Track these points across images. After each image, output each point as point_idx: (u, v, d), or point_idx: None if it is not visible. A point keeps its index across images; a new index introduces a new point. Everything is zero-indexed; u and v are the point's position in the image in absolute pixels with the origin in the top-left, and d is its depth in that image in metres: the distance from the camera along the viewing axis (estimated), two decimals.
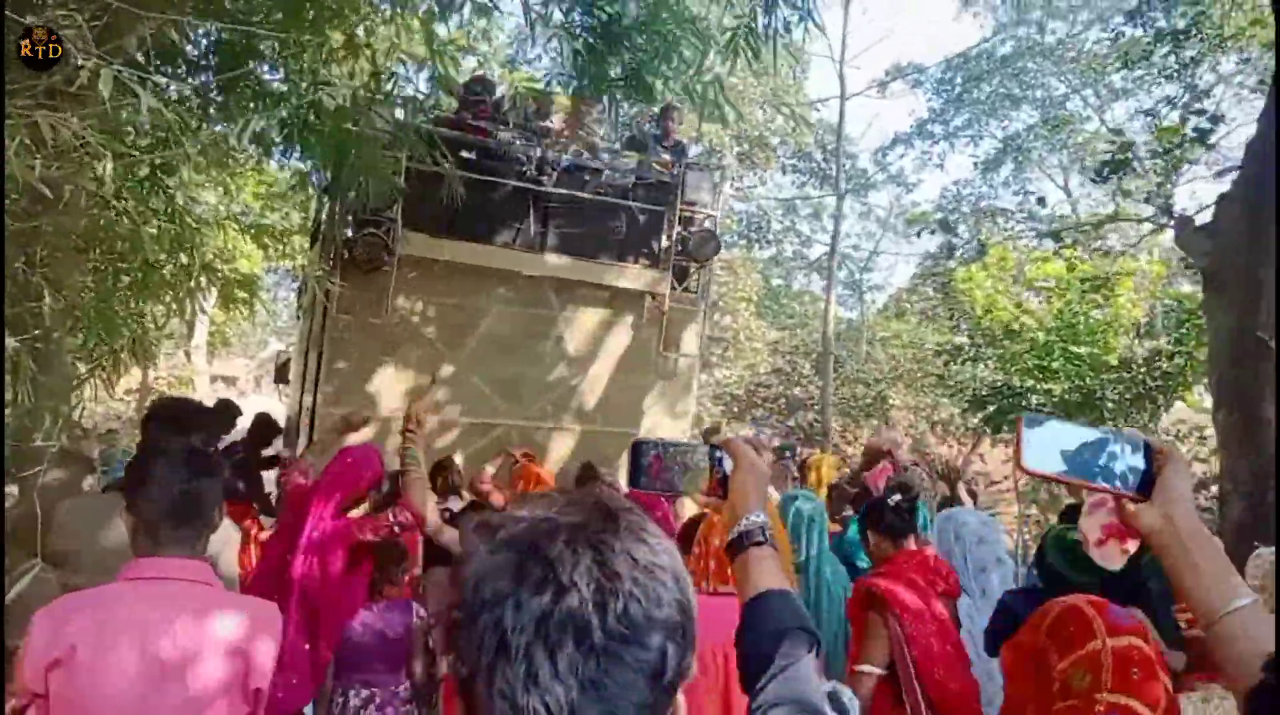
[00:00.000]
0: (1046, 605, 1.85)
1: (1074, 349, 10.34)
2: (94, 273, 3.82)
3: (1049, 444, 1.17)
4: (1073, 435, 1.18)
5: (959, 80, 21.72)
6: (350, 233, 6.49)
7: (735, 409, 15.94)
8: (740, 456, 1.34)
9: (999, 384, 10.86)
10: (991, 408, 10.81)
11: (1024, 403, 10.48)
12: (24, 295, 3.44)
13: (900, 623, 2.84)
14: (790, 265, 24.66)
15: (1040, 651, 1.76)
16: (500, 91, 7.45)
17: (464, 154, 6.73)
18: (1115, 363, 10.36)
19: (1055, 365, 10.37)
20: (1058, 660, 1.71)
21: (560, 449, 7.00)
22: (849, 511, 4.92)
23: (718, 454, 1.35)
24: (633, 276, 7.25)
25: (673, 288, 7.29)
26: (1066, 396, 10.30)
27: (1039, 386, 10.40)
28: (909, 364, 18.43)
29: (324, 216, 6.99)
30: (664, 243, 7.30)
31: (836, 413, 15.59)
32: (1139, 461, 1.17)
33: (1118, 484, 1.16)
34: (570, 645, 0.70)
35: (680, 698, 0.78)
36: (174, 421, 3.36)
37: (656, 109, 7.68)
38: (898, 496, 3.21)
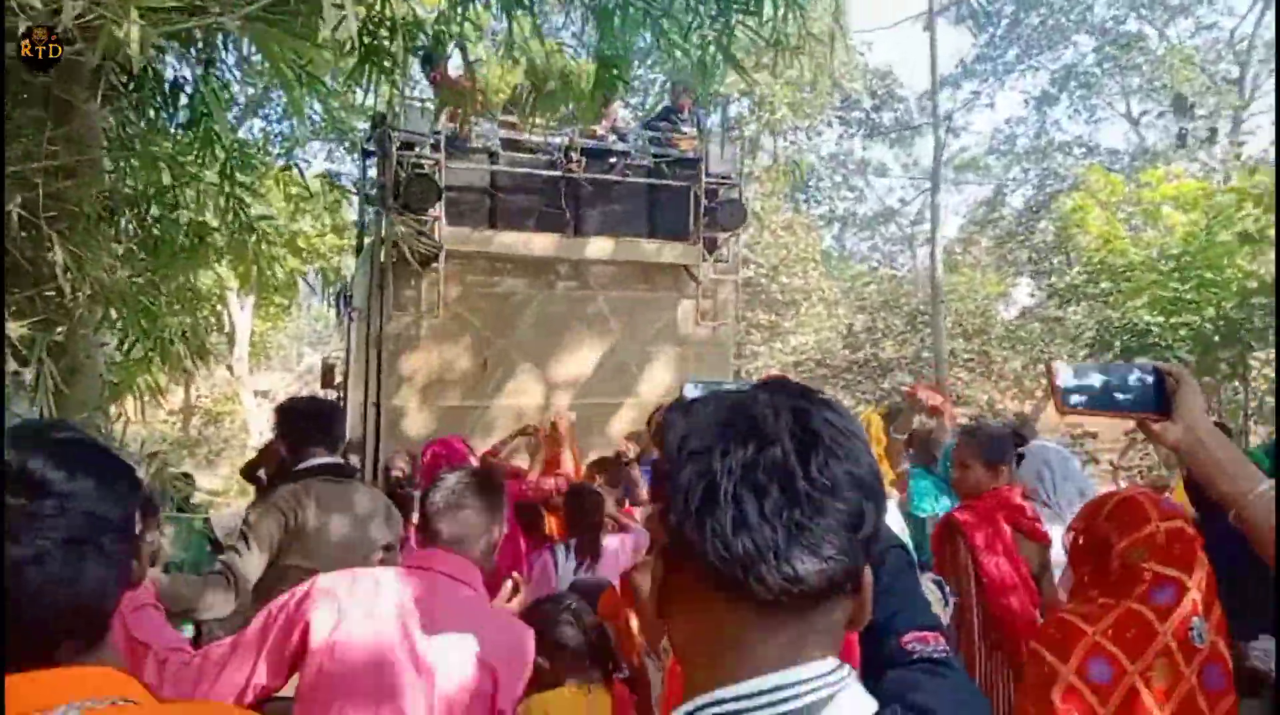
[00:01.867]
0: (1103, 496, 2.10)
1: (1208, 275, 9.19)
2: (126, 242, 2.92)
3: (1078, 386, 1.35)
4: (1096, 374, 1.36)
5: (1007, 10, 20.37)
6: (396, 235, 6.73)
7: (823, 373, 14.78)
8: None
9: (1123, 322, 9.70)
10: (1118, 348, 9.69)
11: (1152, 340, 9.38)
12: (37, 273, 2.55)
13: (972, 555, 2.99)
14: (841, 223, 23.52)
15: (1100, 536, 1.94)
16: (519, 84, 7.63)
17: (490, 147, 7.15)
18: (1257, 286, 9.20)
19: (1188, 295, 9.23)
20: (1118, 541, 1.90)
21: (614, 425, 7.24)
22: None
23: None
24: (665, 252, 7.50)
25: (704, 259, 7.50)
26: (1204, 328, 9.16)
27: (1170, 320, 9.26)
28: (972, 318, 17.28)
29: (368, 221, 7.52)
30: (691, 216, 7.51)
31: (927, 372, 14.39)
32: (1154, 386, 1.35)
33: (1142, 409, 1.35)
34: (776, 491, 0.72)
35: (868, 575, 0.80)
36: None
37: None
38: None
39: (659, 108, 8.27)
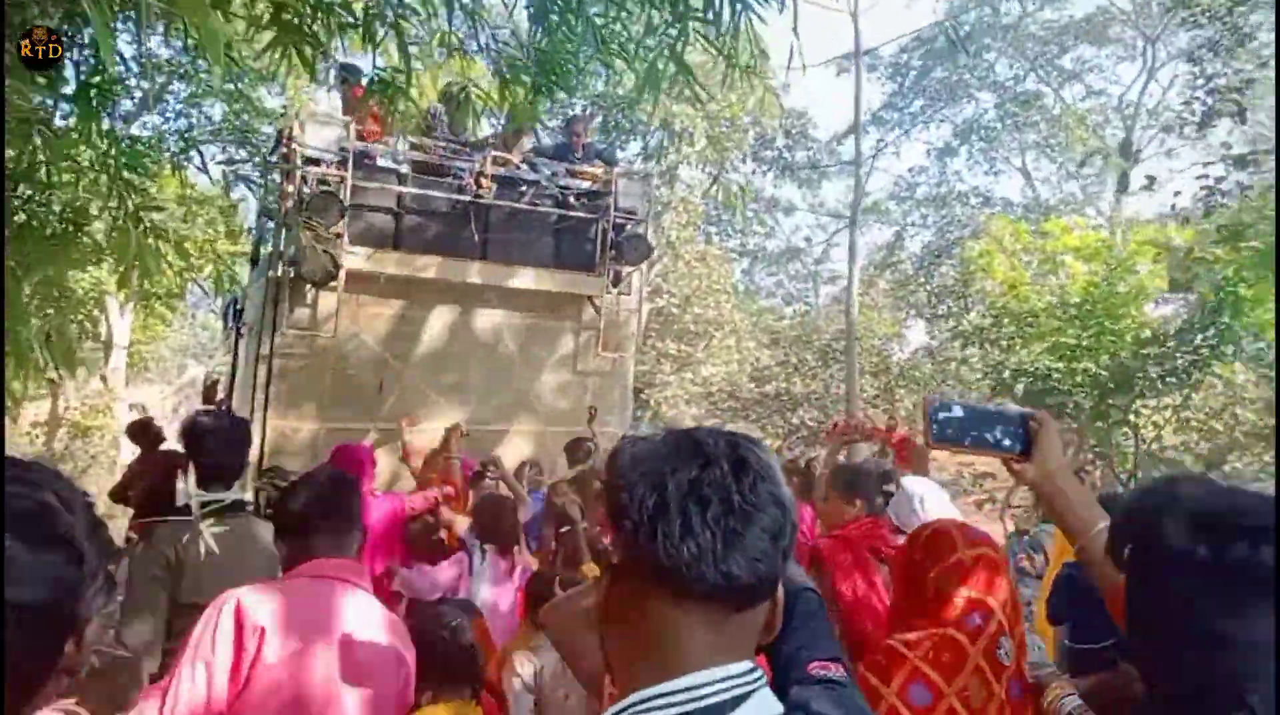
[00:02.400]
0: (919, 527, 2.20)
1: (1106, 323, 9.51)
2: None
3: (949, 422, 1.44)
4: (968, 413, 1.45)
5: (915, 63, 21.11)
6: (295, 250, 6.55)
7: (731, 406, 14.69)
8: None
9: (1026, 367, 9.94)
10: (1020, 391, 9.92)
11: (1052, 384, 9.63)
12: None
13: (831, 579, 3.06)
14: (751, 258, 23.83)
15: (917, 565, 2.06)
16: (432, 104, 7.71)
17: (399, 167, 7.10)
18: (1150, 336, 9.57)
19: (1087, 342, 9.53)
20: (930, 569, 2.03)
21: (510, 450, 7.24)
22: None
23: None
24: (570, 282, 7.57)
25: (609, 291, 7.57)
26: (1101, 375, 9.45)
27: (1071, 366, 9.53)
28: (870, 357, 17.61)
29: (266, 233, 7.36)
30: (597, 248, 7.59)
31: (835, 408, 14.48)
32: (1019, 429, 1.45)
33: (1005, 449, 1.45)
34: (716, 504, 0.86)
35: (780, 592, 0.93)
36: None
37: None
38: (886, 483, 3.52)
39: (553, 144, 8.38)
